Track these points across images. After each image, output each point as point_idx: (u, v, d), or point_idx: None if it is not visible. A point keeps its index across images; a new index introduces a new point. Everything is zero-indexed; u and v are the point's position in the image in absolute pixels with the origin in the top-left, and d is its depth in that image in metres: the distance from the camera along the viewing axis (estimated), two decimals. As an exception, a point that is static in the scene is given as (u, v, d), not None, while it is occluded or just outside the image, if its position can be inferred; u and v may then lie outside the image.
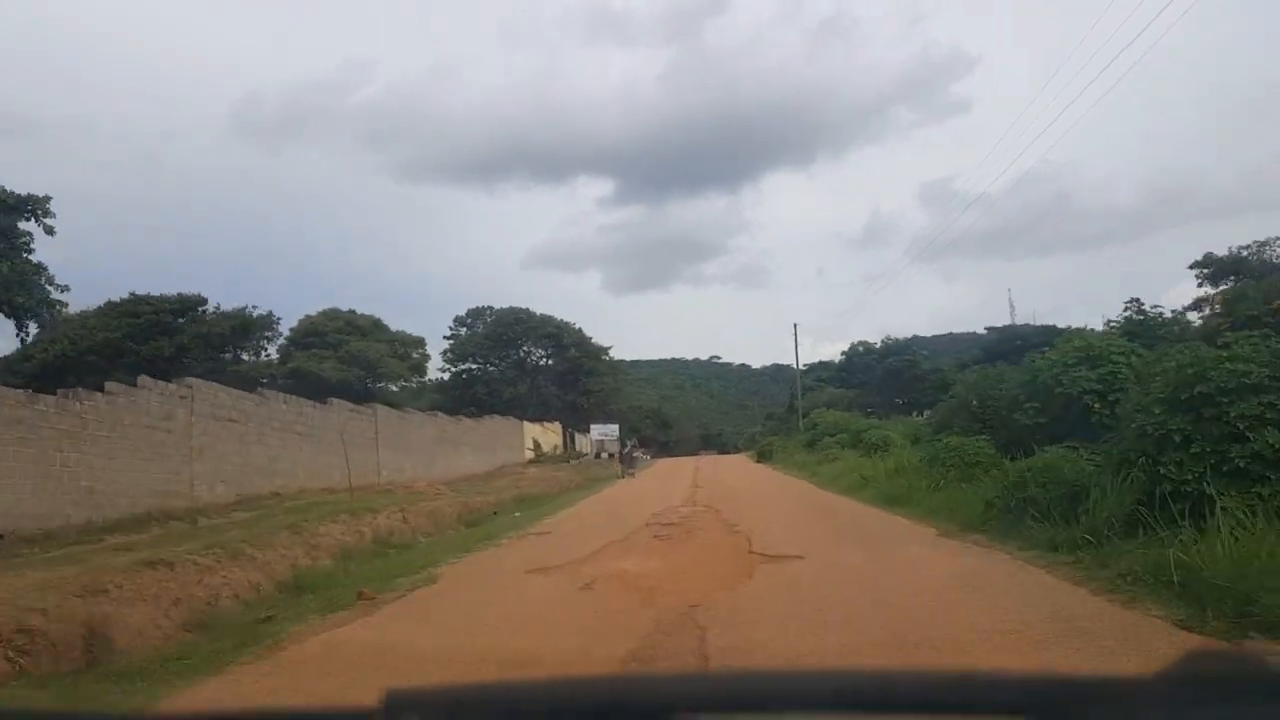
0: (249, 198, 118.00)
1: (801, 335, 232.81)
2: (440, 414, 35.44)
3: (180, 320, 40.93)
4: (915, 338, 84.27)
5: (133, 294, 41.41)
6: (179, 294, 42.22)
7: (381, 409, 28.42)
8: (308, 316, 55.57)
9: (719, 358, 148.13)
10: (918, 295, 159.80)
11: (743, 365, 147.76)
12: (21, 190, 25.87)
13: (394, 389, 61.21)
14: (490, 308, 66.86)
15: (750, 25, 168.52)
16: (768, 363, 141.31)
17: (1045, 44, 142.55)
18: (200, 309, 42.03)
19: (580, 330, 66.80)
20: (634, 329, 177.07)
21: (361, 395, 51.82)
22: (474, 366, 65.92)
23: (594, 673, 4.61)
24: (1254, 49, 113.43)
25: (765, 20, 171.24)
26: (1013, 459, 13.76)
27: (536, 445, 53.71)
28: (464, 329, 66.60)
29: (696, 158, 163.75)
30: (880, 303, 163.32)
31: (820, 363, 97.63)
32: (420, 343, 58.54)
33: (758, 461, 43.87)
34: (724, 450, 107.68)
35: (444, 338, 68.20)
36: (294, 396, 24.38)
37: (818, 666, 4.56)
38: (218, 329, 42.21)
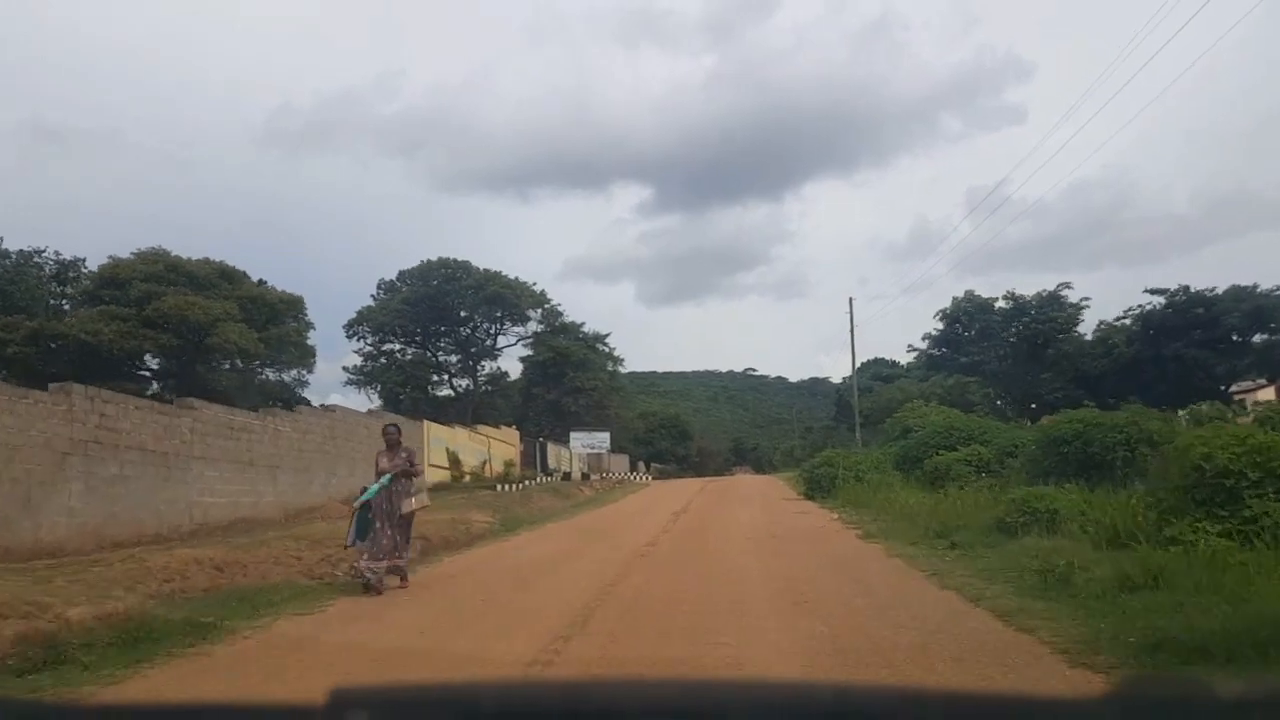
0: (274, 202, 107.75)
1: (836, 349, 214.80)
2: (82, 385, 15.87)
3: None
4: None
5: None
6: None
7: None
8: (114, 259, 36.66)
9: (755, 370, 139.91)
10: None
11: (779, 378, 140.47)
12: None
13: (278, 377, 42.27)
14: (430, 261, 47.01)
15: (796, 28, 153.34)
16: (805, 376, 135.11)
17: (1103, 49, 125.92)
18: None
19: (544, 293, 46.95)
20: (668, 341, 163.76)
21: (176, 384, 33.07)
22: (397, 347, 46.47)
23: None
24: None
25: (811, 23, 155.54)
26: None
27: (454, 460, 34.11)
28: (387, 296, 47.02)
29: (734, 165, 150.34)
30: (922, 315, 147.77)
31: (878, 359, 77.27)
32: (296, 304, 39.37)
33: (806, 496, 23.50)
34: (758, 468, 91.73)
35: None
36: None
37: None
38: None
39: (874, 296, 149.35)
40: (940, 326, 40.31)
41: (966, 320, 38.86)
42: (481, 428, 38.86)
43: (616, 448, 64.20)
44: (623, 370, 63.21)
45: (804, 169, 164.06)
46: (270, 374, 43.36)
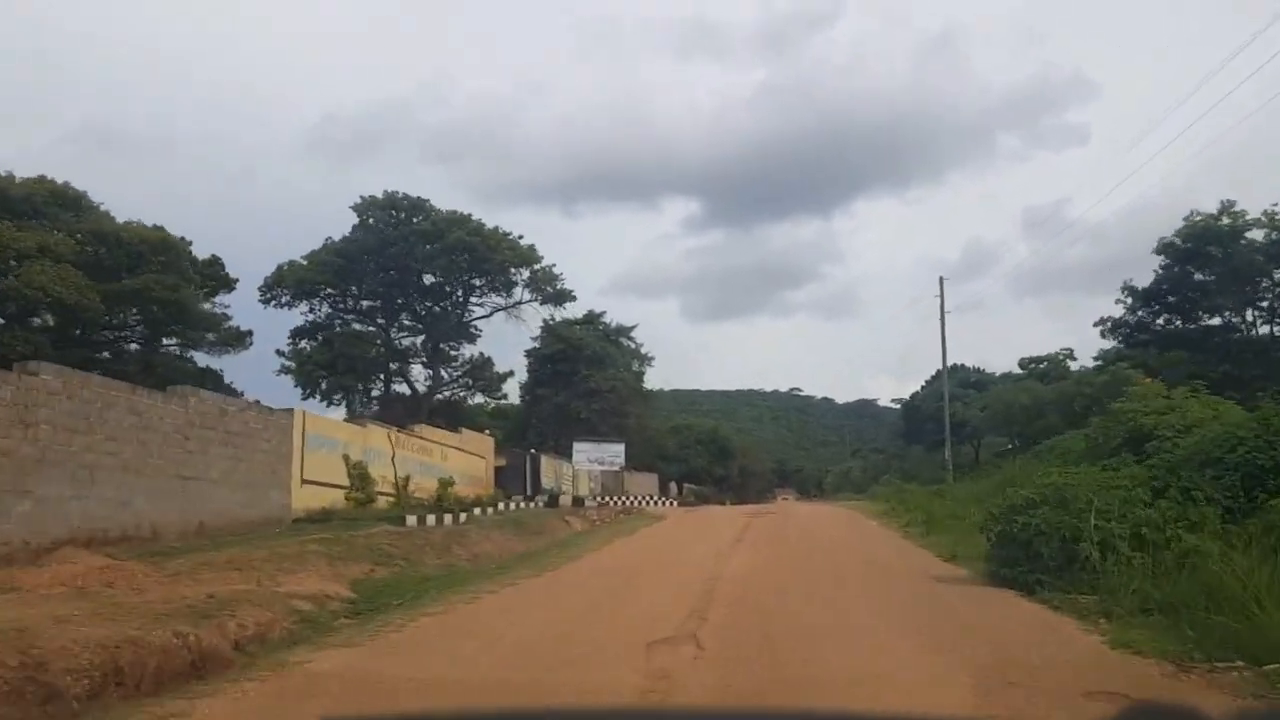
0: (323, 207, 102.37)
1: (883, 376, 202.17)
2: None
3: None
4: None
5: None
6: None
7: None
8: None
9: (800, 390, 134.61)
10: (1014, 331, 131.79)
11: (825, 399, 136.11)
12: None
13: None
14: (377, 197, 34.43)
15: (853, 42, 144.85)
16: (853, 398, 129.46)
17: (1174, 71, 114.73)
18: None
19: (533, 249, 34.40)
20: (712, 359, 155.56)
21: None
22: (340, 320, 34.46)
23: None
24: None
25: (869, 37, 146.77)
26: None
27: (359, 476, 21.89)
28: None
29: (783, 180, 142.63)
30: (974, 338, 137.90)
31: (959, 366, 63.55)
32: (168, 247, 27.70)
33: (989, 577, 10.71)
34: (805, 493, 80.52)
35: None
36: None
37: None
38: None
39: (927, 316, 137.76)
40: (1159, 268, 25.35)
41: (1214, 256, 22.98)
42: (426, 429, 26.66)
43: (642, 464, 51.99)
44: (651, 369, 50.67)
45: (856, 185, 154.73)
46: (201, 356, 32.21)
